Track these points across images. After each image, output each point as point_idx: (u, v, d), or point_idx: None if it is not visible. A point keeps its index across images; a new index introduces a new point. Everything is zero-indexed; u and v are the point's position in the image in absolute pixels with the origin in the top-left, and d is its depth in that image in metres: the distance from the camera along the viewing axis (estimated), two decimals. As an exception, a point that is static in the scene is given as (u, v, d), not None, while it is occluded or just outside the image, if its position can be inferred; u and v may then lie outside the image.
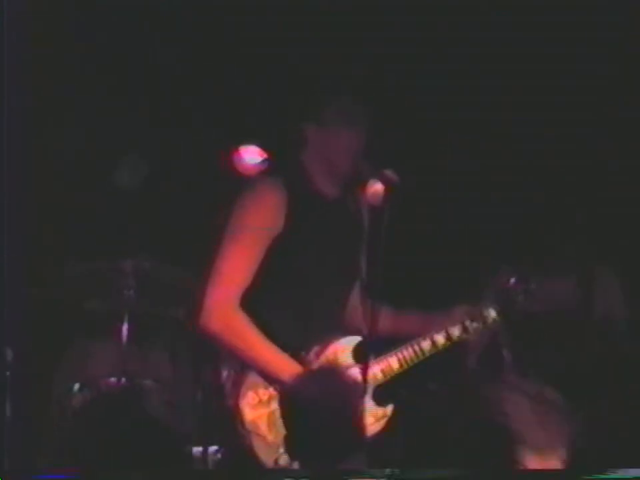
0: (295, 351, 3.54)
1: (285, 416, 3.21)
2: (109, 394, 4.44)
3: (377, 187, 3.51)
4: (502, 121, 4.86)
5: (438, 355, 3.66)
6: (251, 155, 5.05)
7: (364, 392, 3.41)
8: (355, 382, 3.37)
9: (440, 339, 3.66)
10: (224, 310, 3.48)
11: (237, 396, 3.46)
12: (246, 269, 3.53)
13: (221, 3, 4.94)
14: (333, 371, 3.36)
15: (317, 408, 3.04)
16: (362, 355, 3.48)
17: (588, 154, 4.80)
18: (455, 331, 3.67)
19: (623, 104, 4.68)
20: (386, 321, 3.56)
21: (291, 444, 3.19)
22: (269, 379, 3.48)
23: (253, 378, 3.48)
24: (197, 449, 3.90)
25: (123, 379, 4.49)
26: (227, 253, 3.53)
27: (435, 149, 4.97)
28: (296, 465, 3.34)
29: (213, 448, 3.80)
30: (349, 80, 3.80)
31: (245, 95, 5.07)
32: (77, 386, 4.51)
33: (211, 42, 5.01)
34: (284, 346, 3.52)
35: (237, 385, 3.47)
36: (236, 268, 3.52)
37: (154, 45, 5.00)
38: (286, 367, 3.48)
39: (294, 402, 3.14)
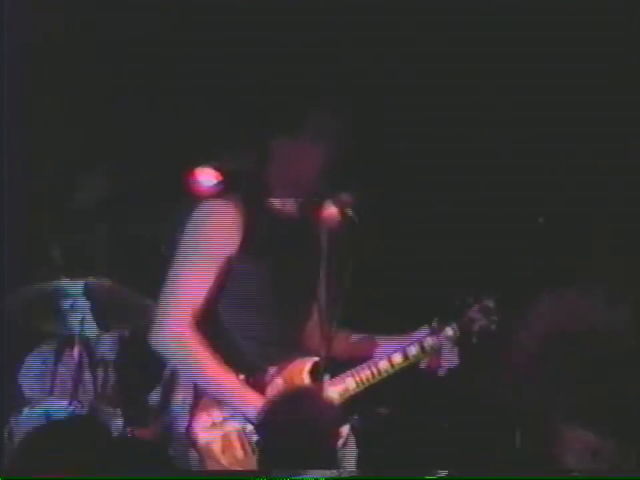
0: (250, 372, 3.51)
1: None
2: (59, 418, 4.38)
3: (331, 211, 3.51)
4: (473, 140, 4.90)
5: (395, 375, 3.65)
6: (206, 177, 5.04)
7: (339, 415, 3.41)
8: (330, 405, 3.36)
9: (397, 358, 3.64)
10: (176, 329, 3.45)
11: (190, 418, 3.42)
12: (199, 289, 3.50)
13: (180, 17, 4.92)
14: (307, 394, 3.35)
15: (292, 431, 3.03)
16: (318, 376, 3.46)
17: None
18: (412, 350, 3.66)
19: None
20: (343, 344, 3.55)
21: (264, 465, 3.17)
22: (221, 401, 3.45)
23: (206, 400, 3.45)
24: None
25: (75, 403, 4.43)
26: (180, 273, 3.50)
27: (400, 170, 4.99)
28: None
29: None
30: (320, 96, 3.80)
31: (207, 114, 5.07)
32: (26, 409, 4.43)
33: (173, 56, 4.99)
34: (239, 367, 3.49)
35: (191, 406, 3.44)
36: (189, 288, 3.49)
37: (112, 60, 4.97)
38: (237, 390, 3.45)
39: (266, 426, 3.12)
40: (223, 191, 3.77)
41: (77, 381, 4.54)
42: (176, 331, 3.45)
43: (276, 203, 3.66)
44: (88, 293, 4.57)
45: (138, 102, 5.09)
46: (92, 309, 4.58)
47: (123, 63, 4.97)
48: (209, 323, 3.51)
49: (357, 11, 4.73)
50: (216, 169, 5.04)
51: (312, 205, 3.64)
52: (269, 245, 3.59)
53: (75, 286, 4.58)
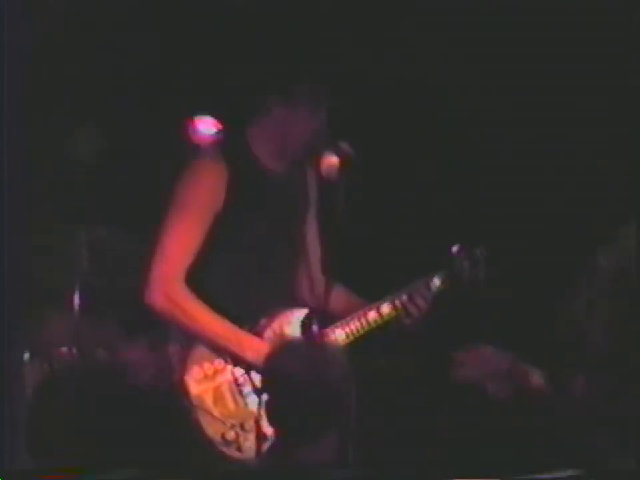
0: (241, 323, 3.55)
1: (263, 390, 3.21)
2: (59, 364, 4.43)
3: (331, 160, 3.50)
4: (463, 98, 4.89)
5: (384, 326, 3.67)
6: (206, 126, 5.03)
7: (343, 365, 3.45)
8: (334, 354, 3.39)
9: (385, 309, 3.68)
10: (166, 286, 3.51)
11: (182, 370, 3.46)
12: (189, 245, 3.55)
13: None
14: (312, 344, 3.37)
15: (299, 381, 3.06)
16: (308, 327, 3.50)
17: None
18: (402, 300, 3.68)
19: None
20: (336, 298, 3.57)
21: (271, 418, 3.19)
22: (216, 351, 3.48)
23: (198, 352, 3.49)
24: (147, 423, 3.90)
25: (74, 349, 4.47)
26: (170, 229, 3.56)
27: (396, 128, 4.98)
28: (244, 442, 3.37)
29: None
30: (317, 56, 3.79)
31: (206, 64, 5.05)
32: (27, 355, 4.47)
33: (176, 8, 4.97)
34: (230, 319, 3.54)
35: (183, 359, 3.48)
36: (179, 244, 3.54)
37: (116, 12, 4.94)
38: (232, 336, 3.49)
39: (272, 376, 3.14)
40: (214, 144, 3.78)
41: (78, 328, 4.57)
42: (166, 287, 3.50)
43: (265, 157, 3.67)
44: (87, 243, 4.59)
45: (138, 50, 5.07)
46: (92, 259, 4.61)
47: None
48: (200, 277, 3.54)
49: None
50: (215, 118, 5.03)
51: (307, 157, 3.65)
52: (257, 200, 3.63)
53: (74, 236, 4.60)
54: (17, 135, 4.61)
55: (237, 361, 3.50)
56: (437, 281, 3.74)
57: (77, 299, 4.60)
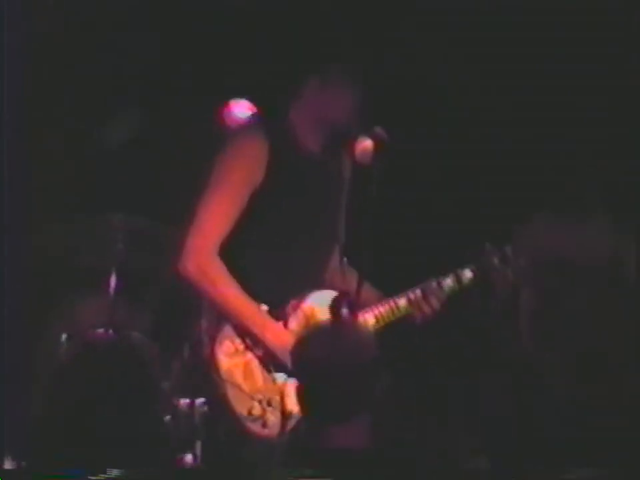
0: (271, 303, 3.56)
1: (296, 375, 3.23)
2: (95, 344, 4.48)
3: (366, 144, 3.49)
4: (496, 91, 4.88)
5: (413, 313, 3.68)
6: (241, 109, 5.03)
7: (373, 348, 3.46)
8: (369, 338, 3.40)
9: (415, 295, 3.69)
10: (200, 256, 3.51)
11: (213, 344, 3.48)
12: (224, 218, 3.55)
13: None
14: (347, 327, 3.37)
15: (330, 364, 3.07)
16: (337, 311, 3.51)
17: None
18: (431, 287, 3.69)
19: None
20: (367, 297, 3.55)
21: (304, 401, 3.21)
22: (240, 329, 3.50)
23: (230, 327, 3.51)
24: (183, 401, 3.94)
25: (110, 331, 4.51)
26: (206, 203, 3.56)
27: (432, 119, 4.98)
28: (270, 417, 3.40)
29: (199, 400, 3.82)
30: (351, 39, 3.79)
31: (241, 48, 5.07)
32: (64, 336, 4.53)
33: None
34: (260, 297, 3.55)
35: (215, 333, 3.50)
36: (214, 217, 3.54)
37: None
38: (256, 318, 3.51)
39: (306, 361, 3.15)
40: (255, 122, 3.79)
41: (114, 310, 4.62)
42: (199, 257, 3.51)
43: (304, 138, 3.67)
44: (125, 226, 4.63)
45: (172, 33, 5.09)
46: (128, 243, 4.65)
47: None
48: (233, 254, 3.56)
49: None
50: (251, 101, 5.03)
51: (343, 141, 3.66)
52: (295, 180, 3.62)
53: (109, 221, 4.64)
54: (46, 124, 4.66)
55: (256, 342, 3.51)
56: (468, 273, 3.74)
57: (113, 282, 4.65)
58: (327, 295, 3.57)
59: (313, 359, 3.15)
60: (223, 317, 3.53)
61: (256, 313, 3.52)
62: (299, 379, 3.23)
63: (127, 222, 4.63)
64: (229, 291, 3.52)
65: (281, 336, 3.51)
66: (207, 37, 5.11)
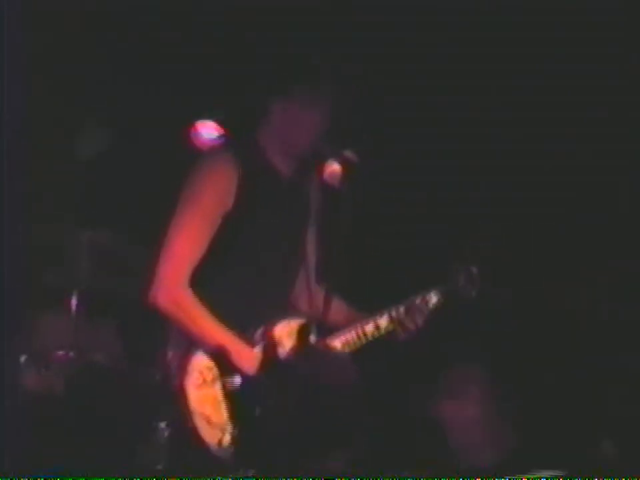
0: (241, 330, 3.52)
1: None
2: (57, 367, 4.40)
3: (334, 168, 3.47)
4: (467, 103, 4.88)
5: (381, 338, 3.67)
6: (208, 130, 5.03)
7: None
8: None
9: (383, 321, 3.67)
10: (171, 286, 3.47)
11: (182, 376, 3.43)
12: (195, 246, 3.51)
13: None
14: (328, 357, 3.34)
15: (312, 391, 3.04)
16: (305, 337, 3.47)
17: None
18: (398, 312, 3.67)
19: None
20: (334, 309, 3.51)
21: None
22: (214, 358, 3.46)
23: (198, 358, 3.46)
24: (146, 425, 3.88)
25: (72, 353, 4.43)
26: (177, 229, 3.51)
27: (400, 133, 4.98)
28: (239, 448, 3.35)
29: (161, 425, 3.76)
30: (318, 59, 3.76)
31: (207, 69, 5.04)
32: (23, 358, 4.44)
33: (176, 13, 4.95)
34: (230, 325, 3.50)
35: (183, 363, 3.45)
36: (185, 244, 3.50)
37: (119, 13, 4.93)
38: (230, 347, 3.46)
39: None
40: (224, 145, 3.74)
41: (76, 331, 4.54)
42: (171, 287, 3.47)
43: (274, 160, 3.64)
44: (88, 245, 4.57)
45: (140, 54, 5.06)
46: (91, 262, 4.59)
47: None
48: (203, 279, 3.52)
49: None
50: (218, 122, 5.02)
51: (312, 164, 3.63)
52: (263, 203, 3.59)
53: (75, 237, 4.57)
54: (17, 137, 4.60)
55: (231, 370, 3.47)
56: (433, 297, 3.72)
57: (75, 302, 4.58)
58: (295, 323, 3.54)
59: (291, 385, 3.12)
60: (191, 346, 3.47)
61: (230, 341, 3.48)
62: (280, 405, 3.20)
63: (93, 239, 4.56)
64: (202, 321, 3.47)
65: (257, 362, 3.47)
66: (175, 57, 5.08)
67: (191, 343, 3.48)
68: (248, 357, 3.48)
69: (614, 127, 4.71)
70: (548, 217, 4.85)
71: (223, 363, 3.45)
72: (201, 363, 3.45)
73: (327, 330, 3.58)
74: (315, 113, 3.59)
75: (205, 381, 3.45)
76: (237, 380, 3.46)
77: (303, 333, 3.53)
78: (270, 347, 3.51)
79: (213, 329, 3.46)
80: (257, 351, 3.50)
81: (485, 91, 4.83)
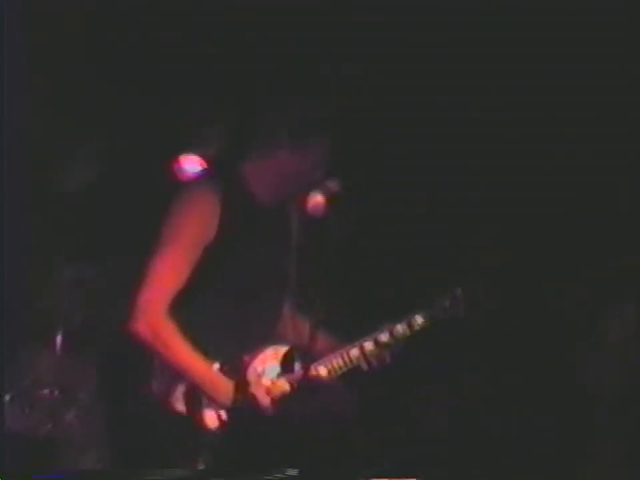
0: (224, 360, 3.50)
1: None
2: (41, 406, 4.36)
3: (317, 199, 3.46)
4: (451, 135, 4.89)
5: (366, 362, 3.64)
6: (191, 164, 5.02)
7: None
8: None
9: (368, 345, 3.65)
10: (151, 316, 3.44)
11: (165, 408, 3.40)
12: (176, 275, 3.48)
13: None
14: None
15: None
16: (290, 365, 3.45)
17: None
18: (383, 337, 3.66)
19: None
20: (322, 344, 3.52)
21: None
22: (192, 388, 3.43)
23: (181, 390, 3.43)
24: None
25: (56, 392, 4.40)
26: (158, 259, 3.49)
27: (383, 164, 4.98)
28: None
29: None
30: (305, 97, 3.76)
31: (192, 103, 5.04)
32: (7, 397, 4.40)
33: (162, 43, 4.95)
34: (213, 355, 3.48)
35: (165, 397, 3.41)
36: (166, 274, 3.47)
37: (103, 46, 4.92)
38: (208, 379, 3.44)
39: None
40: (208, 178, 3.73)
41: (60, 369, 4.51)
42: (150, 317, 3.44)
43: (257, 190, 3.64)
44: (72, 281, 4.55)
45: (126, 89, 5.05)
46: (76, 298, 4.56)
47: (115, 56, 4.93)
48: (185, 308, 3.49)
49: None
50: (201, 156, 5.01)
51: (295, 194, 3.62)
52: (246, 234, 3.57)
53: (59, 273, 4.55)
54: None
55: (209, 402, 3.44)
56: (419, 319, 3.71)
57: (59, 340, 4.54)
58: (280, 351, 3.51)
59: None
60: (173, 379, 3.44)
61: (207, 373, 3.45)
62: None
63: (74, 275, 4.54)
64: (180, 351, 3.44)
65: (232, 394, 3.44)
66: (158, 92, 5.08)
67: (173, 375, 3.45)
68: (224, 390, 3.44)
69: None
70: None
71: (198, 395, 3.41)
72: (182, 395, 3.42)
73: (312, 357, 3.53)
74: (313, 157, 3.59)
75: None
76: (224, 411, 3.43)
77: (286, 361, 3.51)
78: (244, 379, 3.48)
79: (191, 360, 3.43)
80: (232, 385, 3.47)
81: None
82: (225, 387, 3.45)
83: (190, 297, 3.50)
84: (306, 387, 3.23)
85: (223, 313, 3.54)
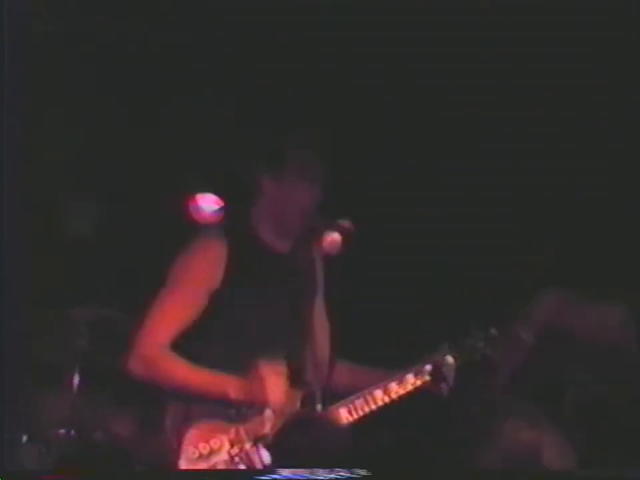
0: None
1: None
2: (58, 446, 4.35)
3: (334, 238, 3.47)
4: (458, 166, 4.87)
5: (391, 404, 3.59)
6: (208, 203, 5.02)
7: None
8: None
9: (393, 386, 3.60)
10: (143, 348, 3.45)
11: (177, 450, 3.38)
12: (175, 319, 3.50)
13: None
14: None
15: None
16: (310, 405, 3.43)
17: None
18: (409, 378, 3.61)
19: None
20: (341, 375, 3.51)
21: None
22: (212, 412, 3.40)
23: (193, 431, 3.41)
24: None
25: (72, 431, 4.39)
26: (159, 303, 3.51)
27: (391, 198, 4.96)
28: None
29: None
30: (307, 133, 3.77)
31: (203, 143, 5.05)
32: (25, 438, 4.39)
33: (167, 81, 4.97)
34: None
35: (178, 438, 3.40)
36: (165, 317, 3.49)
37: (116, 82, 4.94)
38: (211, 380, 3.43)
39: None
40: (217, 224, 3.77)
41: (76, 409, 4.50)
42: (146, 354, 3.45)
43: (266, 234, 3.64)
44: (87, 321, 4.54)
45: (138, 125, 5.08)
46: (91, 338, 4.56)
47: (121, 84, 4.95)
48: (191, 354, 3.49)
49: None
50: (217, 195, 5.02)
51: (309, 238, 3.62)
52: (257, 278, 3.58)
53: (73, 315, 4.55)
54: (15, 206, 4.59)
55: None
56: (449, 359, 3.66)
57: (76, 379, 4.53)
58: (299, 391, 3.49)
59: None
60: (187, 421, 3.42)
61: (209, 377, 3.44)
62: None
63: (90, 315, 4.54)
64: (178, 369, 3.45)
65: (242, 386, 3.42)
66: (172, 129, 5.10)
67: (186, 416, 3.42)
68: (232, 385, 3.42)
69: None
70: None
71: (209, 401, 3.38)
72: (196, 435, 3.40)
73: (333, 397, 3.50)
74: (304, 187, 3.59)
75: (200, 455, 3.39)
76: (235, 450, 3.40)
77: (305, 401, 3.47)
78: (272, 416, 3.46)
79: (190, 372, 3.43)
80: (239, 379, 3.44)
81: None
82: (232, 382, 3.42)
83: (197, 341, 3.50)
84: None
85: (232, 357, 3.51)
